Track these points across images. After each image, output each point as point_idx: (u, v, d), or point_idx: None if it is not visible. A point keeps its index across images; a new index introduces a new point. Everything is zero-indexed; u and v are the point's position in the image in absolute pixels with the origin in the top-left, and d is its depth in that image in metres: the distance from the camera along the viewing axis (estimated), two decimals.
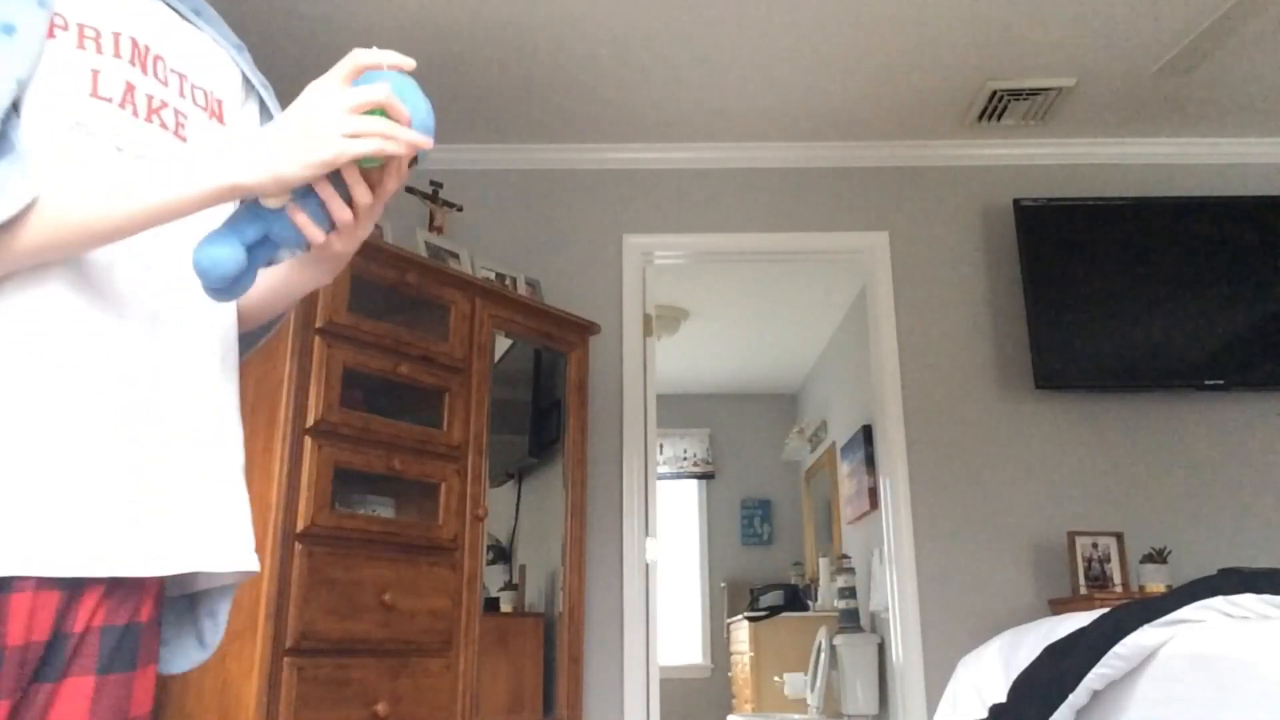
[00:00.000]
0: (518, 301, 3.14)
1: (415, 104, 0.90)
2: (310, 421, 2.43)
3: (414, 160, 0.95)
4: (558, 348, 3.32)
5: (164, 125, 0.96)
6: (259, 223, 0.88)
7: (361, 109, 0.85)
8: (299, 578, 2.32)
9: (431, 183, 3.41)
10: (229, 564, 0.95)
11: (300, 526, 2.35)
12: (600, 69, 3.34)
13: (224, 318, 1.00)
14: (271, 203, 0.87)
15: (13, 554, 0.78)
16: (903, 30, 3.14)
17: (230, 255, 0.85)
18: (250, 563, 0.97)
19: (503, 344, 3.17)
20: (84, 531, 0.81)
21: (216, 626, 1.02)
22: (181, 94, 0.99)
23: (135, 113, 0.93)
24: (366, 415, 2.56)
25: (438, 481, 2.73)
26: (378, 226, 3.00)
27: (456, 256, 3.24)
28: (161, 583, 0.96)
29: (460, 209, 3.49)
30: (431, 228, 3.33)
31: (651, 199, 3.84)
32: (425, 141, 0.88)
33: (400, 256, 2.75)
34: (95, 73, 0.90)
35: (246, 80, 1.11)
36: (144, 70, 0.95)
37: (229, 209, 1.01)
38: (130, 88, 0.93)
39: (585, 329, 3.39)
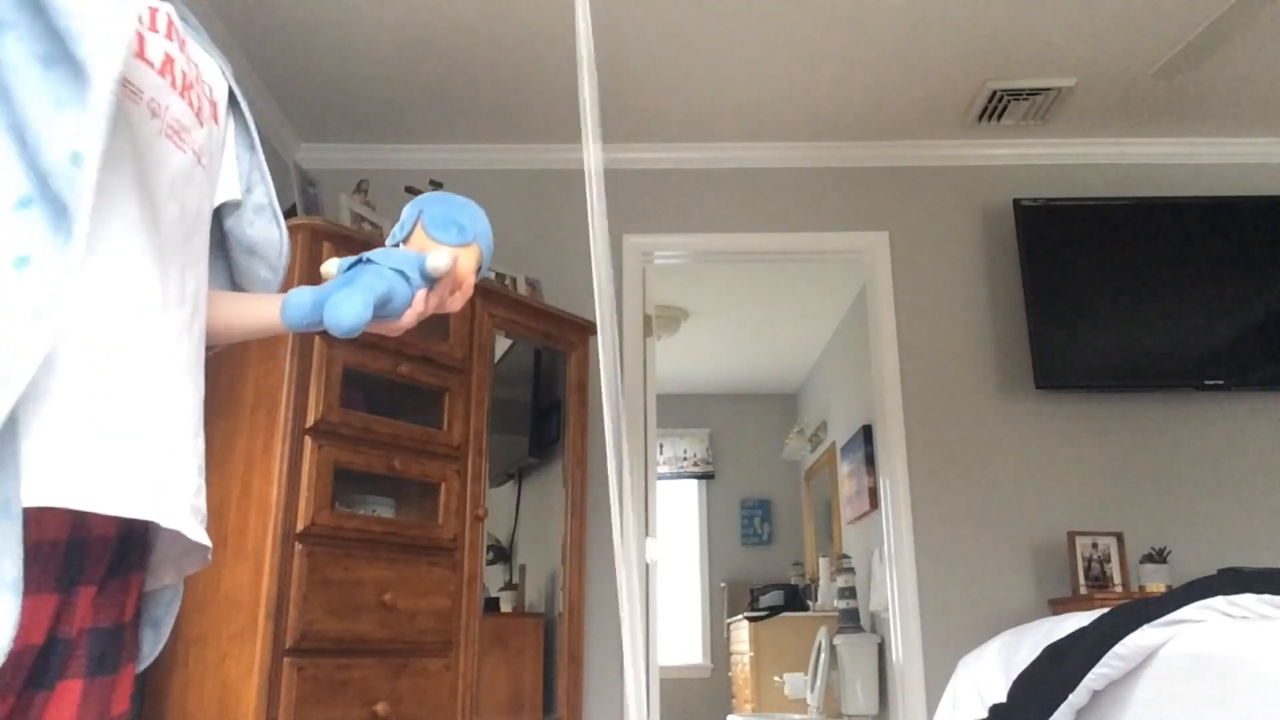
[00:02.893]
0: (518, 301, 3.14)
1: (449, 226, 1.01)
2: (310, 421, 2.43)
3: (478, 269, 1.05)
4: (558, 348, 3.32)
5: (191, 105, 0.94)
6: (384, 282, 0.94)
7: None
8: (299, 577, 2.32)
9: (431, 183, 3.40)
10: (204, 538, 0.95)
11: (300, 526, 2.35)
12: (600, 69, 3.34)
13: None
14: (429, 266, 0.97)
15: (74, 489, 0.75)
16: (903, 30, 3.14)
17: (366, 314, 0.91)
18: (209, 555, 0.98)
19: (503, 344, 3.17)
20: (122, 476, 0.80)
21: (158, 637, 0.99)
22: (200, 81, 1.00)
23: (173, 84, 0.91)
24: (366, 415, 2.56)
25: (438, 481, 2.73)
26: (378, 226, 3.01)
27: None
28: (143, 579, 0.95)
29: None
30: None
31: (651, 199, 3.84)
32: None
33: None
34: (141, 35, 0.87)
35: (230, 94, 1.11)
36: (180, 48, 0.94)
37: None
38: (169, 59, 0.92)
39: (585, 329, 3.39)
